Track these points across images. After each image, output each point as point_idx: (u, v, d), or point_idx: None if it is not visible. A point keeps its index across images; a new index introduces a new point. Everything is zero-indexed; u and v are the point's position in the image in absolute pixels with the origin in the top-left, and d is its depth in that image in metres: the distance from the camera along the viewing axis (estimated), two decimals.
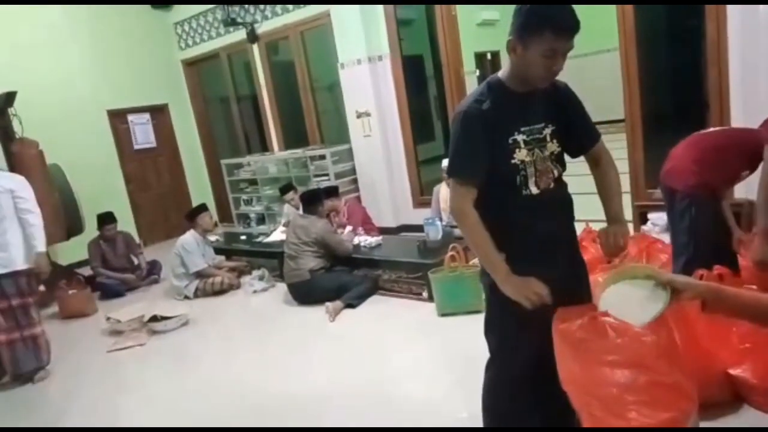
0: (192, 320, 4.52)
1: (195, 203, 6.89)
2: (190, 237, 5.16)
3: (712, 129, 3.03)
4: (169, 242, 6.19)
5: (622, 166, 4.62)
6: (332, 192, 5.34)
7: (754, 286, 2.27)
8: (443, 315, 3.80)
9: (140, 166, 7.81)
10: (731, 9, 3.67)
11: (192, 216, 5.30)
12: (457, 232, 4.67)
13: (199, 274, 5.11)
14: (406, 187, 6.06)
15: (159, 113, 7.99)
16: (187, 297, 5.13)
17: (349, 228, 5.03)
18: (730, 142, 2.81)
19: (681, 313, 2.27)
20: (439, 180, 5.21)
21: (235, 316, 4.63)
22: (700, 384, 2.01)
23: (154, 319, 4.38)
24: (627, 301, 1.48)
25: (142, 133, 7.80)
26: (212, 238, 5.86)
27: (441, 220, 4.84)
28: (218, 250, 5.80)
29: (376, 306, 4.26)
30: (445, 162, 4.46)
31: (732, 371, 2.29)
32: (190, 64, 8.06)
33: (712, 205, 2.79)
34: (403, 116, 5.87)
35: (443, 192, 5.01)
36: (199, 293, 5.13)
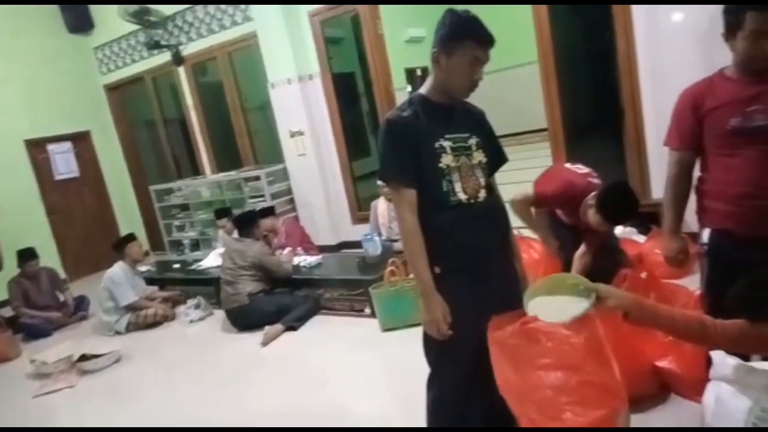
0: (125, 356, 4.31)
1: (124, 233, 6.60)
2: (118, 269, 4.93)
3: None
4: (98, 275, 5.88)
5: None
6: (269, 212, 5.27)
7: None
8: (386, 330, 3.80)
9: (63, 197, 7.41)
10: (638, 24, 3.93)
11: (119, 246, 5.07)
12: (396, 246, 4.71)
13: (131, 308, 4.88)
14: (344, 204, 6.06)
15: (81, 141, 7.64)
16: (118, 332, 4.88)
17: (288, 249, 4.96)
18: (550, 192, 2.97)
19: (608, 311, 2.38)
20: (376, 195, 5.24)
21: (172, 349, 4.44)
22: (629, 378, 2.11)
23: (84, 358, 4.14)
24: (552, 304, 1.54)
25: (64, 163, 7.42)
26: (143, 268, 5.63)
27: (380, 235, 4.86)
28: (150, 281, 5.58)
29: (319, 326, 4.21)
30: None
31: (658, 364, 2.41)
32: (112, 89, 7.77)
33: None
34: (336, 134, 5.88)
35: (381, 207, 5.04)
36: (131, 327, 4.89)
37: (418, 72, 10.17)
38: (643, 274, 2.69)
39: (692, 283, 2.67)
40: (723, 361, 1.67)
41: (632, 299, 1.47)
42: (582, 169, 3.00)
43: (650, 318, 1.46)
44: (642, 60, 3.98)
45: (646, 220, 3.58)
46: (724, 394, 1.66)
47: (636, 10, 3.91)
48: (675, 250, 2.03)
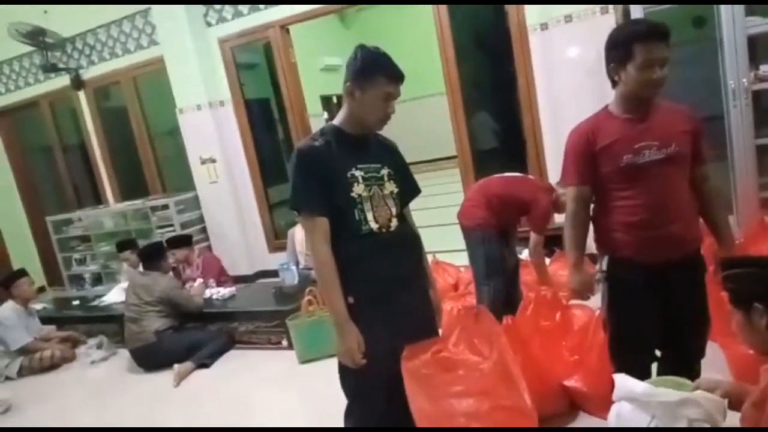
0: (16, 405, 3.93)
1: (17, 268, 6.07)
2: (8, 310, 4.49)
3: (498, 176, 3.42)
4: None
5: (459, 198, 5.01)
6: (184, 241, 5.04)
7: None
8: (305, 362, 3.72)
9: None
10: (535, 58, 4.16)
11: (6, 284, 4.61)
12: (314, 274, 4.63)
13: (24, 350, 4.47)
14: (260, 232, 5.92)
15: None
16: (9, 378, 4.45)
17: (199, 281, 4.75)
18: (508, 192, 3.24)
19: (516, 334, 2.47)
20: (293, 223, 5.16)
21: (71, 394, 4.09)
22: (539, 398, 2.18)
23: None
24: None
25: None
26: (38, 306, 5.18)
27: (298, 263, 4.78)
28: (47, 319, 5.14)
29: (233, 361, 4.04)
30: None
31: (566, 383, 2.50)
32: (3, 113, 7.19)
33: (498, 241, 3.18)
34: (250, 160, 5.77)
35: (298, 234, 4.96)
36: (24, 372, 4.47)
37: (335, 99, 10.29)
38: (548, 295, 2.81)
39: (594, 302, 2.82)
40: (623, 383, 1.76)
41: (733, 386, 1.53)
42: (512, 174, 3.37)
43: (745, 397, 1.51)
44: (540, 93, 4.22)
45: (550, 242, 3.76)
46: (626, 412, 1.74)
47: (534, 44, 4.15)
48: (579, 284, 2.09)
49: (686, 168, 1.92)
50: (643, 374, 1.97)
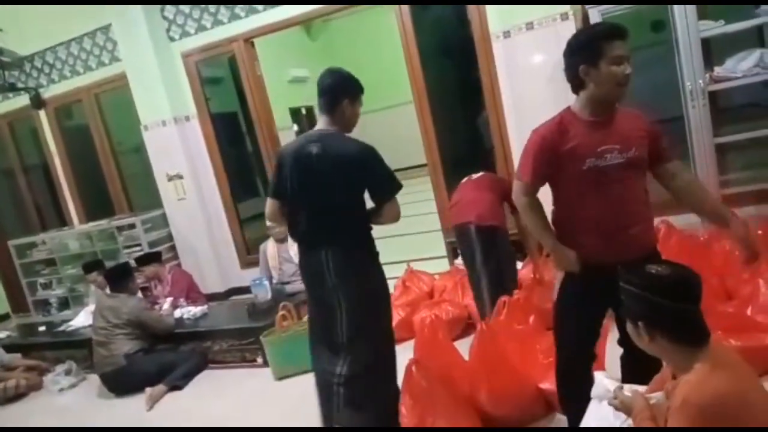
0: None
1: None
2: None
3: (481, 174, 3.61)
4: None
5: (431, 206, 5.02)
6: (154, 258, 4.93)
7: None
8: (281, 378, 3.66)
9: None
10: (498, 63, 4.23)
11: None
12: (288, 288, 4.59)
13: None
14: (231, 248, 5.84)
15: None
16: None
17: (168, 300, 4.64)
18: (497, 186, 3.42)
19: (492, 340, 2.47)
20: (265, 237, 5.09)
21: (39, 423, 3.94)
22: (516, 401, 2.19)
23: None
24: None
25: None
26: (1, 334, 4.99)
27: (271, 278, 4.72)
28: (11, 347, 4.96)
29: (207, 382, 3.95)
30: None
31: (541, 385, 2.51)
32: None
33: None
34: (219, 175, 5.70)
35: (270, 249, 4.90)
36: None
37: (303, 111, 10.25)
38: (521, 299, 2.83)
39: None
40: (601, 381, 1.78)
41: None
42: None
43: None
44: (505, 98, 4.27)
45: (521, 247, 3.78)
46: (604, 412, 1.75)
47: (497, 52, 4.21)
48: (566, 259, 1.99)
49: (644, 171, 1.97)
50: (583, 373, 2.02)
